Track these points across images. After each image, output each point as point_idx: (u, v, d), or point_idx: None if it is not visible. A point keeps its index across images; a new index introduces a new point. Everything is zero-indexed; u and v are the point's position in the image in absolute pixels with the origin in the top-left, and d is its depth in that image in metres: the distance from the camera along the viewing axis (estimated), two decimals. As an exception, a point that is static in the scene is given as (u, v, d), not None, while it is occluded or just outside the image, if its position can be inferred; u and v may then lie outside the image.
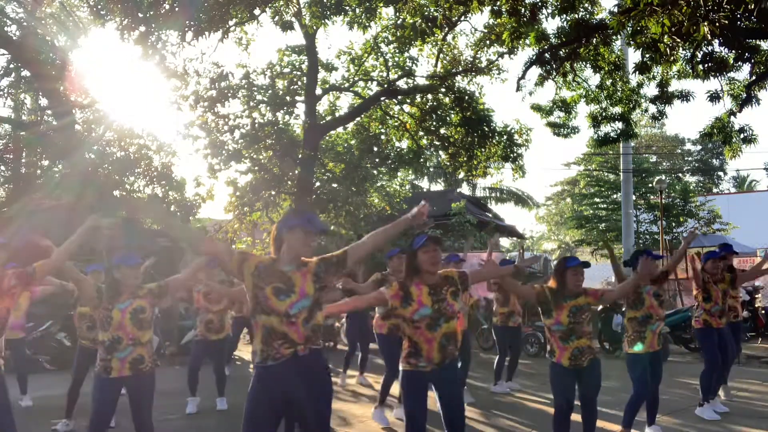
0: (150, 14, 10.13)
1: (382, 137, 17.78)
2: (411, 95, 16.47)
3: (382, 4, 13.66)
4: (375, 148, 17.66)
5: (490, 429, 6.13)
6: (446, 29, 14.01)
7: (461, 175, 18.53)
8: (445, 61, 15.83)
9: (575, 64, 8.91)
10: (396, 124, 17.53)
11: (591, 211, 22.42)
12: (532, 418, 6.41)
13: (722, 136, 8.20)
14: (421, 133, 17.15)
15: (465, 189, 28.44)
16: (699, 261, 6.67)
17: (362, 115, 17.31)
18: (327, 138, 17.95)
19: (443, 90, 16.02)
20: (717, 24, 6.24)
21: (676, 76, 8.63)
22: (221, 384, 7.03)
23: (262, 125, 16.21)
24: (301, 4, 13.98)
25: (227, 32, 12.71)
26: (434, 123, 16.73)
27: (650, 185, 19.68)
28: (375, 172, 18.80)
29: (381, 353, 6.59)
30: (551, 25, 19.61)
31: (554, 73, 8.83)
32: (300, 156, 15.90)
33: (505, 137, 15.89)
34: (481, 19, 74.66)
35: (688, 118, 71.21)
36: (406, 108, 17.20)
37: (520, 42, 8.81)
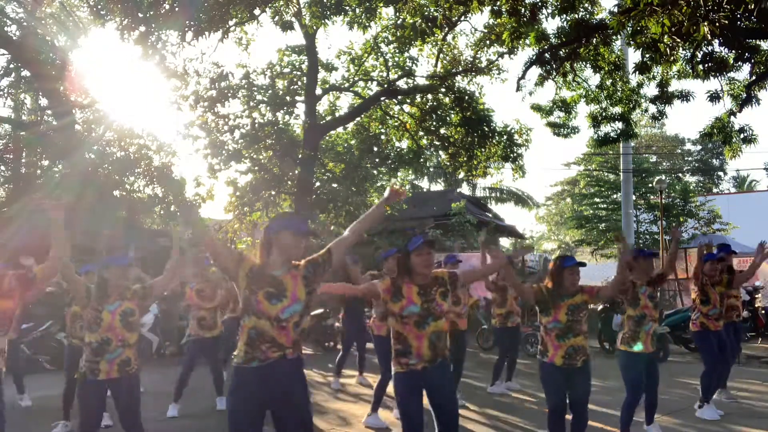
0: (150, 14, 10.13)
1: (382, 137, 17.79)
2: (411, 95, 16.48)
3: (382, 4, 13.66)
4: (375, 148, 17.68)
5: (489, 429, 6.13)
6: (446, 29, 14.02)
7: (461, 175, 18.54)
8: (445, 61, 15.84)
9: (575, 64, 8.91)
10: (396, 124, 17.53)
11: (591, 211, 22.41)
12: (531, 418, 6.41)
13: (722, 136, 8.20)
14: (421, 133, 17.16)
15: (465, 189, 28.46)
16: (705, 253, 6.63)
17: (362, 115, 17.32)
18: (327, 138, 17.96)
19: (443, 90, 16.02)
20: (717, 24, 6.24)
21: (676, 76, 8.62)
22: (219, 383, 7.00)
23: (262, 125, 16.22)
24: (301, 4, 13.98)
25: (227, 32, 12.72)
26: (434, 123, 16.73)
27: (650, 185, 19.67)
28: (375, 172, 18.83)
29: (377, 355, 6.58)
30: (551, 25, 19.63)
31: (554, 73, 8.83)
32: (300, 156, 15.91)
33: (505, 137, 15.90)
34: (481, 19, 74.70)
35: (688, 118, 71.28)
36: (406, 108, 17.21)
37: (520, 42, 8.81)
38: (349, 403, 7.36)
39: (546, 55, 8.53)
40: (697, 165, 40.71)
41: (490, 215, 23.71)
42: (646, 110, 9.41)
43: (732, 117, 8.04)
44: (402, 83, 16.48)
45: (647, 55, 7.62)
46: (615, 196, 21.35)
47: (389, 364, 3.89)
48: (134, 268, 4.67)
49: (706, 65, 7.35)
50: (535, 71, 8.91)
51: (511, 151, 15.98)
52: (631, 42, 7.53)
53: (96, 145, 15.09)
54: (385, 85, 16.33)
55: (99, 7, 12.83)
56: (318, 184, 17.62)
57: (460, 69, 15.71)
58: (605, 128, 9.53)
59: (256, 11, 12.73)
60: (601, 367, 8.88)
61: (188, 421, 6.54)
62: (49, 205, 3.87)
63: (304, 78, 16.77)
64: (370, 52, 16.67)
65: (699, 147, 40.05)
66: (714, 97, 7.70)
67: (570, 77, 9.24)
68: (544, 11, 8.13)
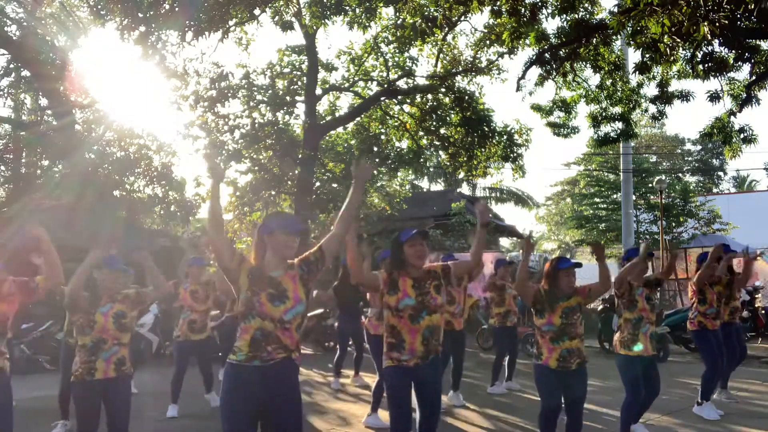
0: (150, 14, 10.14)
1: (382, 137, 17.80)
2: (411, 95, 16.48)
3: (382, 4, 13.67)
4: (375, 148, 17.67)
5: (489, 429, 6.13)
6: (446, 29, 14.02)
7: (461, 175, 18.54)
8: (445, 61, 15.84)
9: (575, 64, 8.91)
10: (396, 124, 17.53)
11: (591, 211, 22.40)
12: (531, 418, 6.38)
13: (722, 136, 8.20)
14: (421, 133, 17.16)
15: (465, 189, 28.48)
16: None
17: (362, 115, 17.33)
18: (327, 138, 17.97)
19: (443, 90, 16.03)
20: (717, 24, 6.24)
21: (676, 76, 8.63)
22: (209, 382, 7.01)
23: (262, 125, 16.22)
24: (301, 4, 13.98)
25: (227, 32, 12.72)
26: (434, 123, 16.74)
27: (650, 185, 19.66)
28: (375, 172, 18.80)
29: (373, 355, 6.56)
30: (551, 25, 19.64)
31: (554, 73, 8.84)
32: (300, 156, 15.90)
33: (505, 137, 15.91)
34: (481, 19, 74.71)
35: (688, 118, 71.30)
36: (406, 108, 17.21)
37: (520, 42, 8.82)
38: (349, 403, 7.36)
39: (546, 55, 8.53)
40: (697, 165, 40.71)
41: (490, 215, 23.69)
42: (646, 110, 9.42)
43: (732, 117, 8.05)
44: (402, 83, 16.50)
45: (647, 55, 7.62)
46: (615, 196, 21.34)
47: None
48: (128, 276, 4.61)
49: (706, 65, 7.35)
50: (535, 71, 8.93)
51: (511, 151, 15.98)
52: (631, 42, 7.53)
53: (96, 145, 15.10)
54: (385, 85, 16.33)
55: (99, 7, 12.84)
56: (318, 184, 17.62)
57: (460, 69, 15.71)
58: (605, 128, 9.54)
59: (256, 11, 12.74)
60: (601, 367, 8.88)
61: (188, 421, 6.54)
62: (30, 228, 3.86)
63: (304, 78, 16.77)
64: (370, 52, 16.67)
65: (699, 147, 40.05)
66: (714, 97, 7.71)
67: (570, 77, 9.25)
68: (544, 11, 8.13)
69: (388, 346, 3.73)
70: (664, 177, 19.44)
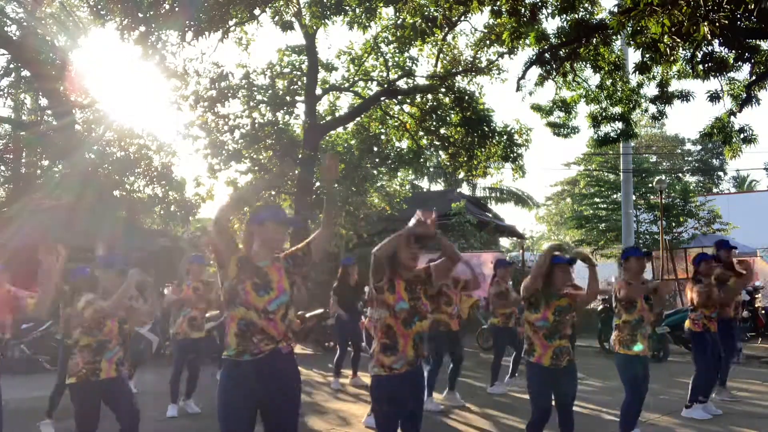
0: (150, 14, 10.14)
1: (382, 137, 17.80)
2: (411, 95, 16.49)
3: (382, 4, 13.67)
4: (375, 148, 17.68)
5: (489, 429, 6.13)
6: (446, 29, 14.03)
7: (461, 175, 18.55)
8: (445, 61, 15.84)
9: (575, 64, 8.90)
10: (396, 124, 17.54)
11: (591, 211, 22.38)
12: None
13: (722, 136, 8.19)
14: (421, 133, 17.17)
15: (465, 189, 28.47)
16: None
17: (362, 115, 17.33)
18: (327, 138, 17.96)
19: (443, 90, 16.03)
20: (717, 24, 6.24)
21: (676, 76, 8.62)
22: (192, 386, 6.91)
23: (262, 125, 16.23)
24: (301, 4, 13.99)
25: (227, 32, 12.73)
26: (434, 123, 16.74)
27: (650, 185, 19.65)
28: (375, 172, 18.82)
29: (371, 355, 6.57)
30: (551, 25, 19.61)
31: (554, 73, 8.83)
32: (300, 156, 15.91)
33: (505, 137, 15.91)
34: (481, 19, 74.56)
35: (688, 118, 71.20)
36: (406, 108, 17.21)
37: (520, 42, 8.81)
38: (348, 403, 7.36)
39: (546, 55, 8.53)
40: (697, 165, 40.71)
41: (490, 215, 23.70)
42: (646, 110, 9.41)
43: (732, 117, 8.04)
44: (402, 83, 16.50)
45: (647, 55, 7.62)
46: (615, 196, 21.33)
47: None
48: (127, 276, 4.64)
49: (706, 65, 7.35)
50: (535, 71, 8.92)
51: (511, 151, 15.98)
52: (631, 42, 7.52)
53: (96, 145, 15.11)
54: (385, 85, 16.34)
55: (99, 7, 12.84)
56: (318, 184, 17.62)
57: (460, 69, 15.71)
58: (605, 128, 9.52)
59: (256, 11, 12.74)
60: (601, 367, 8.89)
61: (188, 421, 6.55)
62: (44, 250, 3.90)
63: (304, 78, 16.78)
64: (370, 52, 16.67)
65: (699, 147, 40.04)
66: (714, 97, 7.70)
67: (570, 77, 9.24)
68: (544, 11, 8.13)
69: (382, 347, 3.64)
70: (664, 177, 19.45)
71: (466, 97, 15.84)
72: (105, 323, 4.16)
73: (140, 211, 16.55)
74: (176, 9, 10.05)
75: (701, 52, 7.41)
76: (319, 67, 16.86)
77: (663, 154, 39.23)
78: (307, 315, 12.14)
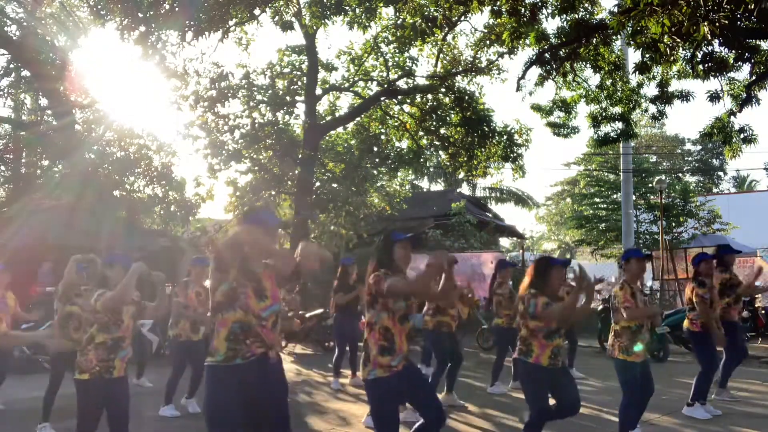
0: (150, 14, 10.14)
1: (382, 137, 17.80)
2: (411, 95, 16.49)
3: (382, 4, 13.67)
4: (375, 148, 17.69)
5: (489, 429, 6.13)
6: (446, 29, 14.03)
7: (461, 175, 18.55)
8: (445, 61, 15.84)
9: (575, 64, 8.90)
10: (396, 124, 17.54)
11: (591, 211, 22.39)
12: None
13: (722, 136, 8.19)
14: (421, 133, 17.17)
15: (465, 189, 28.47)
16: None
17: (362, 115, 17.33)
18: (327, 138, 17.97)
19: (443, 90, 16.03)
20: (717, 24, 6.24)
21: (676, 76, 8.62)
22: (196, 385, 6.88)
23: (262, 125, 16.23)
24: (301, 4, 13.99)
25: (227, 32, 12.72)
26: (434, 123, 16.74)
27: (650, 185, 19.66)
28: (375, 172, 18.82)
29: None
30: (551, 25, 19.61)
31: (554, 73, 8.83)
32: (300, 156, 15.91)
33: (505, 137, 15.91)
34: (481, 19, 74.65)
35: (688, 118, 71.26)
36: (406, 108, 17.21)
37: (520, 42, 8.81)
38: (348, 403, 7.36)
39: (546, 55, 8.53)
40: (697, 165, 40.72)
41: (490, 215, 23.70)
42: (646, 110, 9.41)
43: (732, 117, 8.04)
44: (402, 83, 16.50)
45: (647, 55, 7.62)
46: (615, 196, 21.34)
47: None
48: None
49: (706, 65, 7.34)
50: (535, 71, 8.92)
51: (511, 151, 15.98)
52: (631, 42, 7.52)
53: (96, 145, 15.12)
54: (385, 85, 16.34)
55: (99, 7, 12.85)
56: (318, 184, 17.62)
57: (460, 69, 15.71)
58: (605, 128, 9.52)
59: (256, 11, 12.73)
60: (601, 367, 8.88)
61: (188, 421, 6.54)
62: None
63: (304, 78, 16.78)
64: (370, 52, 16.67)
65: (699, 147, 40.06)
66: (714, 97, 7.70)
67: (570, 77, 9.24)
68: (544, 11, 8.13)
69: (380, 349, 3.63)
70: (664, 177, 19.45)
71: (466, 97, 15.83)
72: (122, 319, 4.16)
73: (140, 211, 16.55)
74: (176, 9, 10.04)
75: (701, 52, 7.41)
76: (319, 67, 16.86)
77: (663, 154, 39.24)
78: (307, 315, 12.14)
